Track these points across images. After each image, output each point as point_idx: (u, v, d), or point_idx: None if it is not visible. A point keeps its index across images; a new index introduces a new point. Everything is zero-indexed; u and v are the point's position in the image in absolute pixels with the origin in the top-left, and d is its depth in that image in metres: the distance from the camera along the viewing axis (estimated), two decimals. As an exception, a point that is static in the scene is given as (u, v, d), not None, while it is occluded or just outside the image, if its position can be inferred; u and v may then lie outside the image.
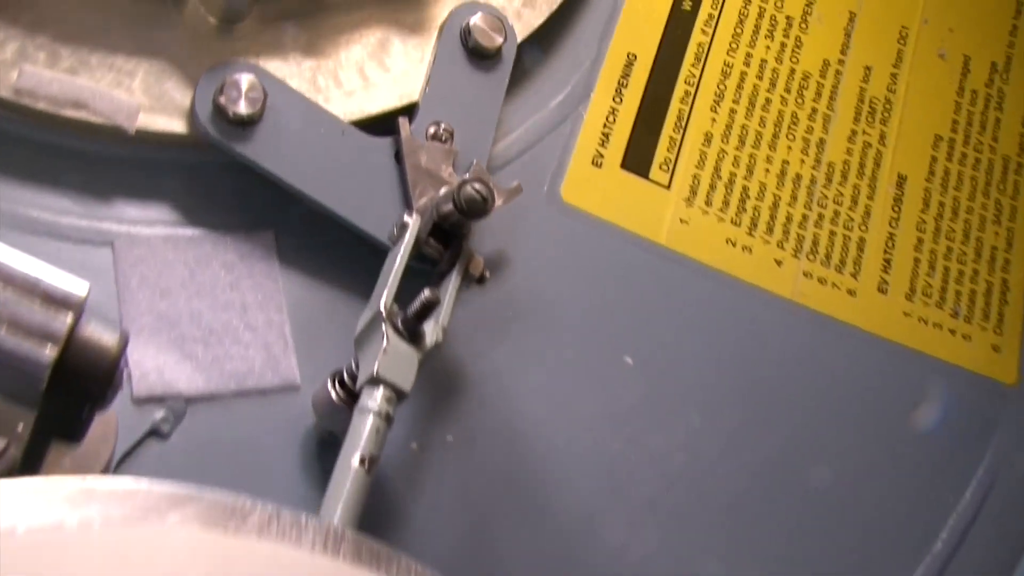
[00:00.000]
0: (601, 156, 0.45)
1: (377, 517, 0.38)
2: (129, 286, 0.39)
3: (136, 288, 0.39)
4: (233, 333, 0.39)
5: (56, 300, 0.27)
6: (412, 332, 0.36)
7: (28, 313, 0.27)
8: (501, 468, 0.41)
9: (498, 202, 0.39)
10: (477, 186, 0.37)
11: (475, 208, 0.37)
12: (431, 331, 0.37)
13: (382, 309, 0.36)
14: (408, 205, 0.40)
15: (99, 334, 0.28)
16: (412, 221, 0.39)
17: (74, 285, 0.28)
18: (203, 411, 0.38)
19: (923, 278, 0.48)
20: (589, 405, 0.42)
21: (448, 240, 0.39)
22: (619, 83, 0.47)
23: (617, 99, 0.46)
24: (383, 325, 0.36)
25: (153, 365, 0.38)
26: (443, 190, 0.39)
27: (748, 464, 0.43)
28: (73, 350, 0.27)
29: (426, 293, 0.35)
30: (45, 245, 0.39)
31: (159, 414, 0.38)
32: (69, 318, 0.27)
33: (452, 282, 0.38)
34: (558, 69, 0.47)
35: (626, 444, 0.42)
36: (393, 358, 0.35)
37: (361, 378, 0.35)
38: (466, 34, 0.43)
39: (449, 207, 0.38)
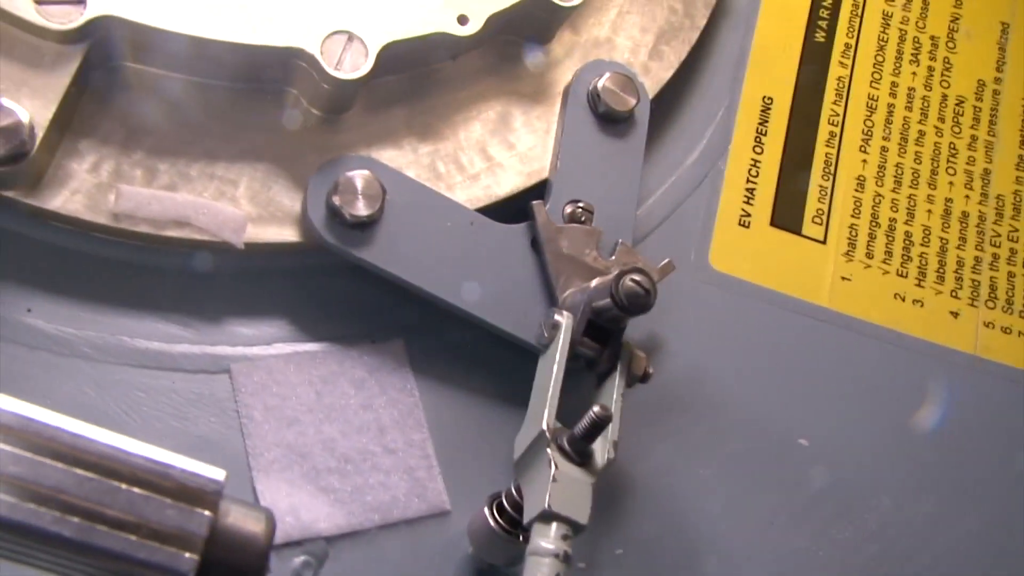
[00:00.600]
0: (748, 215, 0.40)
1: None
2: (253, 418, 0.34)
3: (261, 419, 0.34)
4: (371, 459, 0.34)
5: (191, 494, 0.23)
6: (581, 453, 0.31)
7: (161, 514, 0.22)
8: (679, 579, 0.36)
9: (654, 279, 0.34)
10: (638, 278, 0.32)
11: (637, 303, 0.32)
12: (601, 449, 0.31)
13: (545, 430, 0.31)
14: (553, 299, 0.35)
15: (243, 524, 0.23)
16: (564, 320, 0.33)
17: (208, 474, 0.23)
18: (347, 550, 0.33)
19: (1121, 315, 0.42)
20: (767, 498, 0.37)
21: (603, 336, 0.34)
22: (757, 131, 0.41)
23: (758, 149, 0.41)
24: (549, 449, 0.30)
25: (288, 505, 0.33)
26: (595, 282, 0.34)
27: (951, 549, 0.37)
28: (216, 550, 0.23)
29: (596, 410, 0.30)
30: (157, 379, 0.34)
31: (299, 559, 0.33)
32: (208, 515, 0.22)
33: (616, 387, 0.33)
34: (690, 122, 0.41)
35: (812, 539, 0.37)
36: (565, 487, 0.30)
37: (529, 513, 0.30)
38: (595, 98, 0.37)
39: (606, 302, 0.33)
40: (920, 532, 0.37)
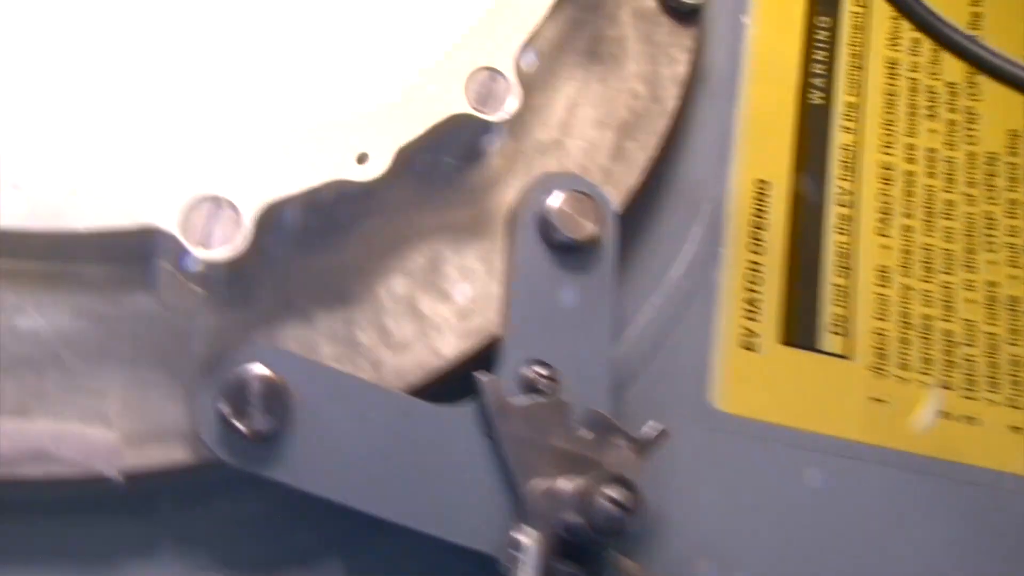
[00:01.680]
0: (752, 333, 0.32)
1: None
2: None
3: None
4: None
5: None
6: None
7: None
8: None
9: (639, 462, 0.26)
10: (614, 494, 0.24)
11: (614, 527, 0.24)
12: None
13: None
14: (519, 502, 0.27)
15: None
16: (530, 543, 0.25)
17: None
18: None
19: None
20: None
21: (583, 555, 0.26)
22: (753, 225, 0.33)
23: (755, 248, 0.33)
24: None
25: None
26: (562, 484, 0.26)
27: None
28: None
29: None
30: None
31: None
32: None
33: (605, 630, 0.25)
34: (670, 225, 0.33)
35: None
36: None
37: None
38: (547, 225, 0.29)
39: (576, 520, 0.25)
40: None
